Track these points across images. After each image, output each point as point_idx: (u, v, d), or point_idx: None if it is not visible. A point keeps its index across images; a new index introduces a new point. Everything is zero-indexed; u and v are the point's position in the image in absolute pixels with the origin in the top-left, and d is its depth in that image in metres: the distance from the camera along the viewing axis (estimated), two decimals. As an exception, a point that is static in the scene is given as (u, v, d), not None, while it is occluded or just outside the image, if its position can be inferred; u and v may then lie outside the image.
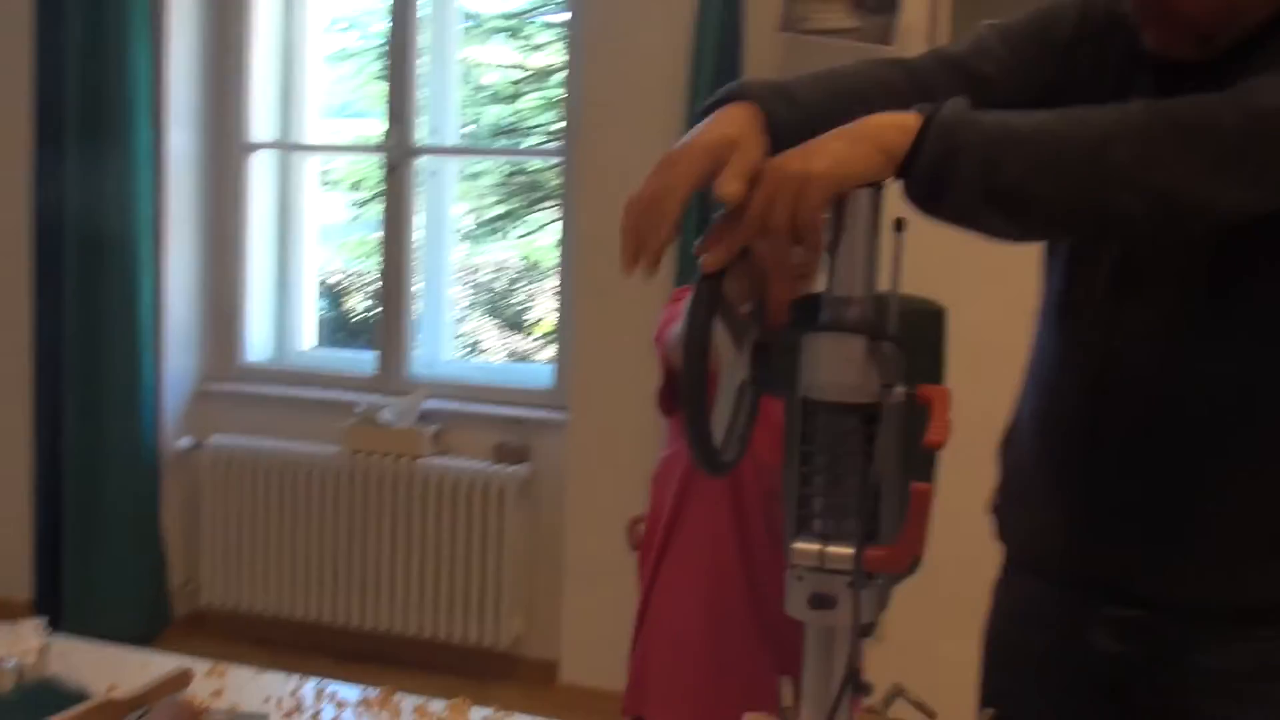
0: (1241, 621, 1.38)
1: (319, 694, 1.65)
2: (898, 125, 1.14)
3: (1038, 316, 1.55)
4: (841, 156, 1.11)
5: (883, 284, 1.14)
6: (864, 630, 1.15)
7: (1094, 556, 1.44)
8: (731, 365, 1.20)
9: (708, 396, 1.16)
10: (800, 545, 1.12)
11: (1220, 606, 1.39)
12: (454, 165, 4.40)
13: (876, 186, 1.13)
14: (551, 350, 4.39)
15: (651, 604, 1.95)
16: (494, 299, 4.68)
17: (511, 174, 4.77)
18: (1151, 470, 1.39)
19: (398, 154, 4.18)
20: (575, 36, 3.90)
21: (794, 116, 1.26)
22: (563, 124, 4.11)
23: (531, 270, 4.95)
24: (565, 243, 4.02)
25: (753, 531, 1.86)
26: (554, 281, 4.68)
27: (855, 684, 1.16)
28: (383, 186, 4.24)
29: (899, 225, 1.13)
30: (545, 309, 4.94)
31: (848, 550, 1.10)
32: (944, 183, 1.13)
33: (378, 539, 4.04)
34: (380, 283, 4.33)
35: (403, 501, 4.00)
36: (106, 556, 4.10)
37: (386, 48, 4.19)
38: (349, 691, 1.65)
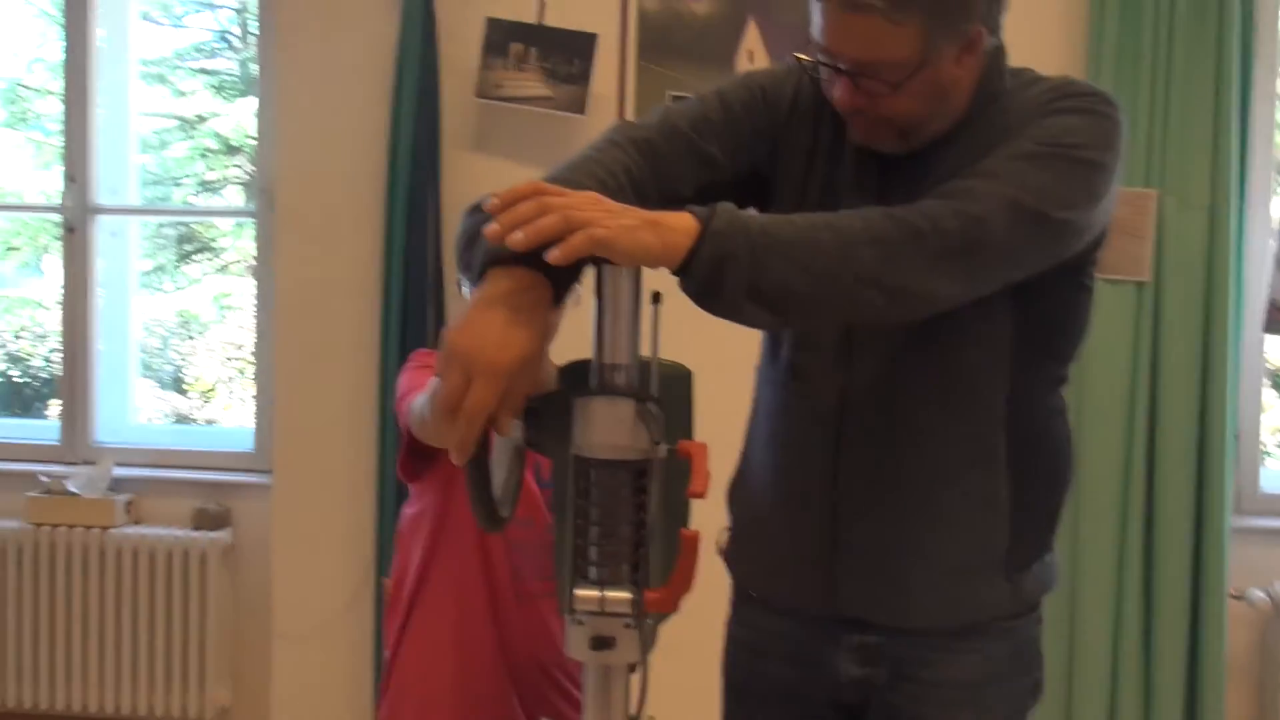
0: (963, 637, 1.60)
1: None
2: (681, 228, 1.26)
3: (761, 376, 1.72)
4: (631, 230, 1.22)
5: (643, 350, 1.26)
6: (632, 667, 1.26)
7: (833, 592, 1.62)
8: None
9: (486, 458, 1.24)
10: (581, 592, 1.22)
11: (944, 627, 1.60)
12: (135, 224, 4.26)
13: (638, 272, 1.25)
14: (213, 410, 4.32)
15: (400, 655, 2.00)
16: (149, 357, 4.48)
17: (162, 225, 4.60)
18: (880, 513, 1.59)
19: (77, 214, 4.02)
20: (266, 95, 3.88)
21: None
22: (233, 176, 4.06)
23: (187, 326, 4.78)
24: (261, 303, 3.97)
25: (499, 580, 1.94)
26: (211, 337, 4.58)
27: None
28: (57, 248, 4.06)
29: (656, 298, 1.25)
30: (206, 366, 4.77)
31: (625, 594, 1.21)
32: (716, 284, 1.27)
33: (70, 616, 3.84)
34: (60, 348, 4.14)
35: (95, 575, 3.82)
36: None
37: (64, 103, 4.03)
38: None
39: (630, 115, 3.56)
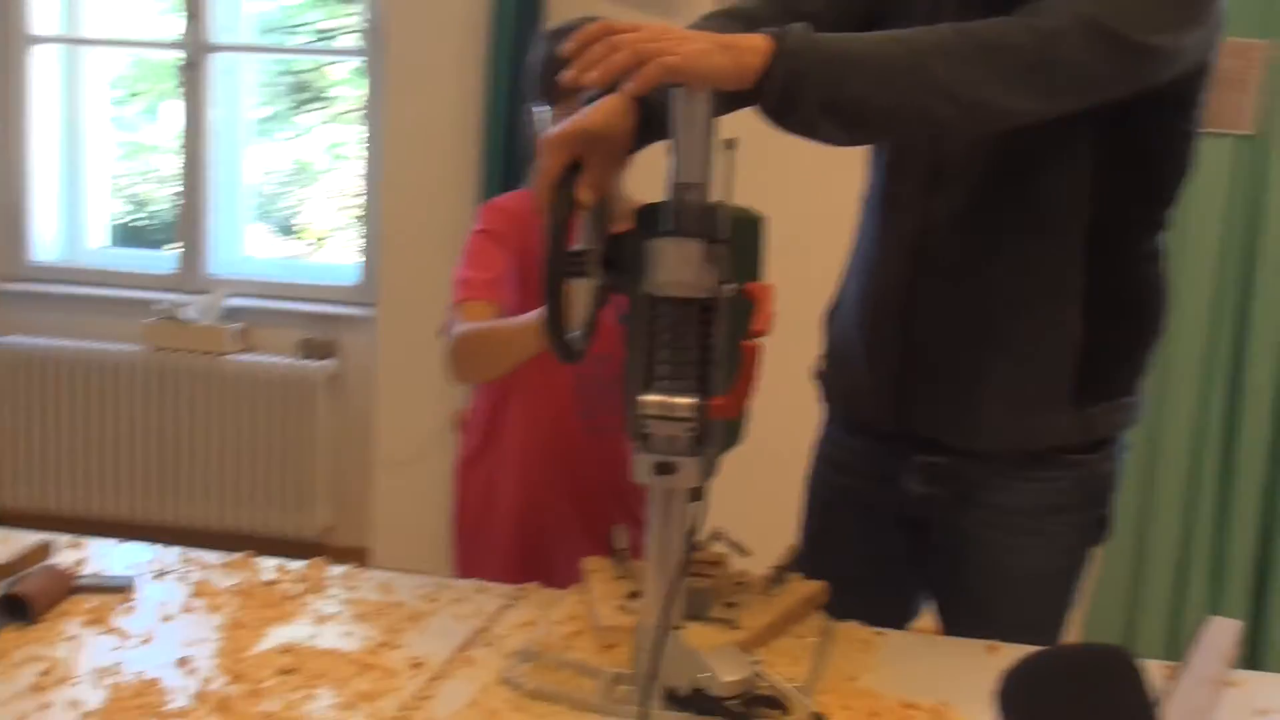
0: (1027, 466, 1.66)
1: (182, 557, 1.76)
2: (753, 48, 1.30)
3: (862, 208, 1.78)
4: (704, 54, 1.26)
5: (715, 195, 1.32)
6: (695, 495, 1.35)
7: (907, 413, 1.69)
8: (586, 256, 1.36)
9: (560, 290, 1.32)
10: (647, 397, 1.30)
11: (1009, 453, 1.66)
12: (249, 63, 4.38)
13: (715, 93, 1.30)
14: (324, 256, 4.46)
15: (467, 486, 2.11)
16: (262, 203, 4.61)
17: (279, 73, 4.68)
18: (954, 339, 1.65)
19: (195, 51, 4.15)
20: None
21: None
22: (351, 25, 4.12)
23: (301, 174, 4.88)
24: (371, 144, 4.08)
25: (565, 415, 2.03)
26: (323, 186, 4.70)
27: (692, 544, 1.36)
28: (175, 84, 4.19)
29: (730, 144, 1.31)
30: (318, 213, 4.88)
31: (689, 400, 1.29)
32: (791, 101, 1.31)
33: (184, 436, 4.08)
34: (179, 182, 4.30)
35: (207, 398, 4.05)
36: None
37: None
38: (210, 555, 1.77)
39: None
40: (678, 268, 1.28)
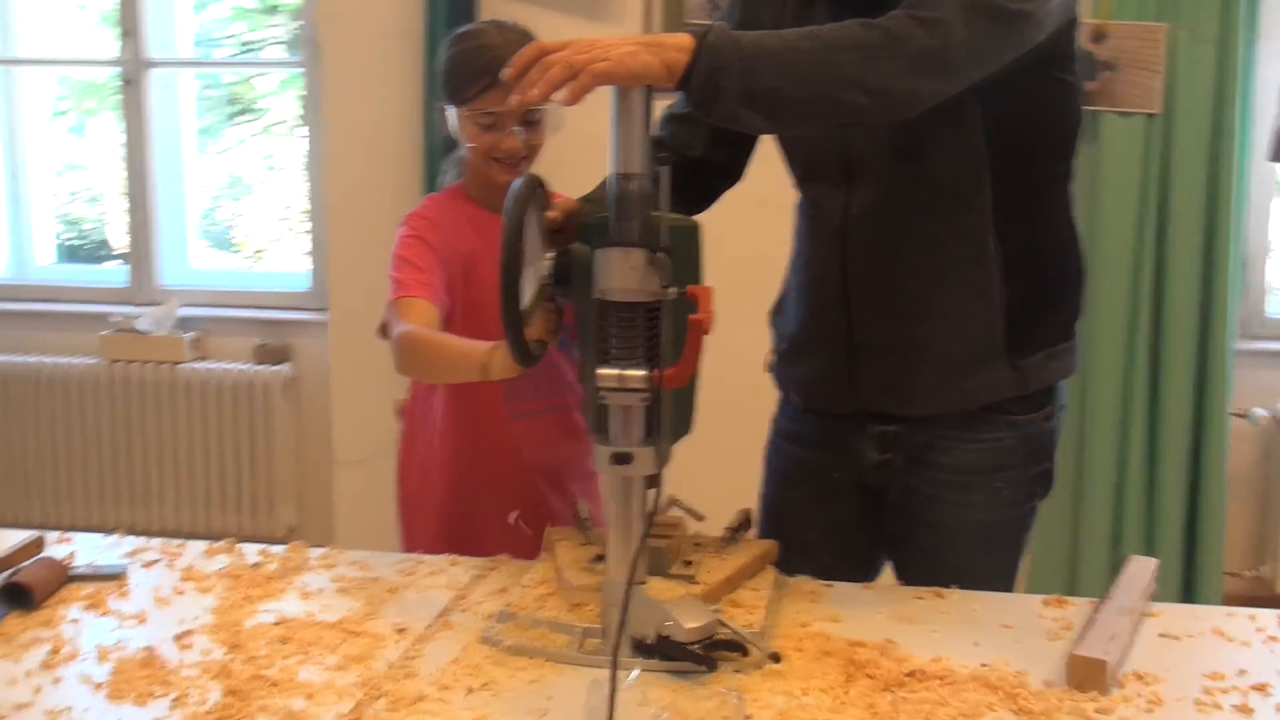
0: (973, 427, 1.78)
1: (164, 548, 1.85)
2: (678, 45, 1.42)
3: (795, 210, 1.91)
4: (631, 55, 1.39)
5: (658, 209, 1.43)
6: (651, 482, 1.47)
7: (855, 393, 1.82)
8: (536, 267, 1.48)
9: (518, 295, 1.42)
10: (603, 370, 1.42)
11: (950, 415, 1.78)
12: (186, 77, 4.44)
13: (648, 88, 1.42)
14: (263, 268, 4.54)
15: (403, 469, 2.22)
16: (200, 217, 4.66)
17: (206, 87, 4.73)
18: (888, 314, 1.78)
19: (134, 68, 4.20)
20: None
21: None
22: (277, 37, 4.17)
23: (235, 187, 4.93)
24: (311, 151, 4.16)
25: (489, 401, 2.10)
26: (259, 197, 4.77)
27: (648, 529, 1.47)
28: (106, 102, 4.24)
29: (663, 160, 1.43)
30: (254, 225, 4.93)
31: (641, 372, 1.41)
32: (713, 93, 1.43)
33: (147, 444, 4.15)
34: (124, 197, 4.36)
35: (167, 407, 4.12)
36: None
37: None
38: (194, 545, 1.86)
39: None
40: (624, 275, 1.41)
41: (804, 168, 1.85)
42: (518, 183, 1.43)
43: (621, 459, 1.43)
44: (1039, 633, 1.55)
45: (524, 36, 2.02)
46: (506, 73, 1.42)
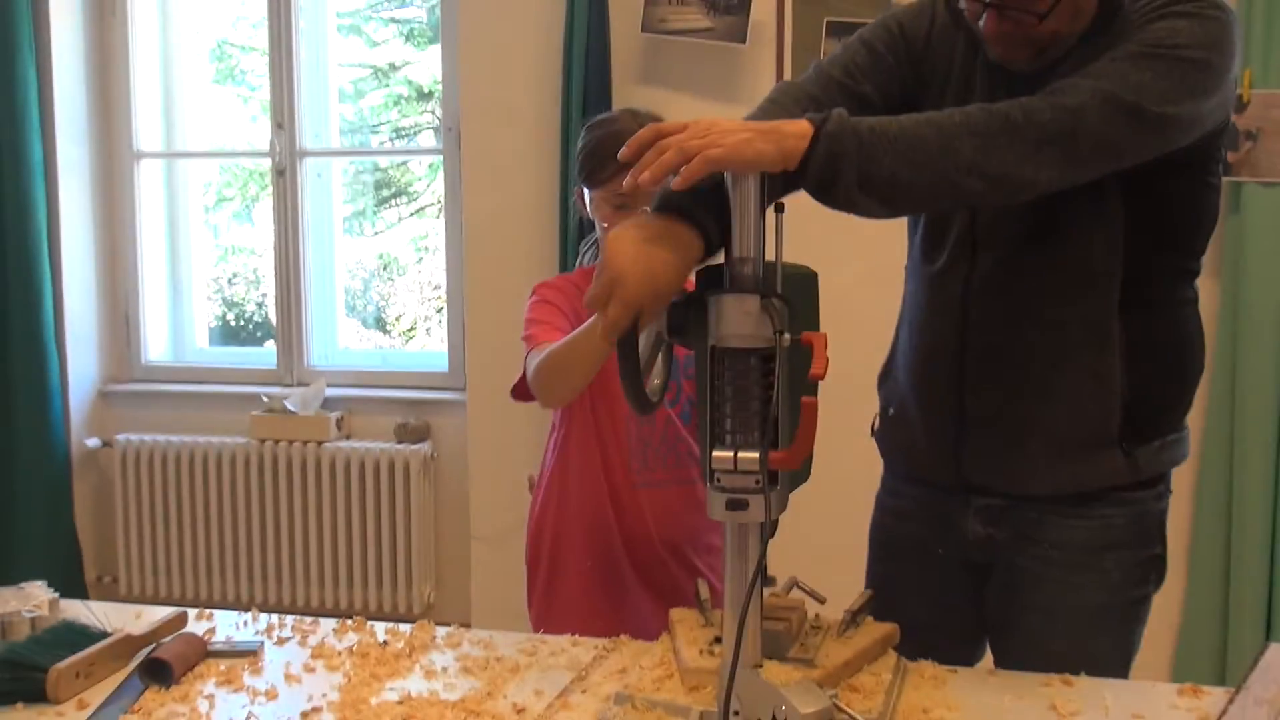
0: (1081, 504, 1.76)
1: (296, 626, 1.91)
2: (797, 133, 1.44)
3: (907, 275, 1.90)
4: (746, 143, 1.40)
5: (769, 254, 1.45)
6: (769, 530, 1.47)
7: (961, 466, 1.81)
8: (653, 323, 1.50)
9: (635, 351, 1.46)
10: (718, 453, 1.43)
11: (1060, 493, 1.76)
12: (337, 165, 4.62)
13: (762, 174, 1.44)
14: (413, 347, 4.65)
15: (538, 540, 2.25)
16: (352, 298, 4.83)
17: (360, 172, 4.91)
18: (1002, 394, 1.76)
19: (286, 157, 4.40)
20: (449, 40, 4.17)
21: None
22: (426, 121, 4.31)
23: (387, 268, 5.09)
24: (451, 235, 4.29)
25: (617, 472, 2.15)
26: (410, 278, 4.91)
27: (763, 574, 1.48)
28: (267, 189, 4.44)
29: (779, 208, 1.45)
30: (405, 305, 5.08)
31: (754, 454, 1.41)
32: (831, 179, 1.45)
33: (290, 521, 4.28)
34: (274, 282, 4.54)
35: (312, 484, 4.25)
36: (21, 554, 4.25)
37: (268, 54, 4.39)
38: (326, 623, 1.91)
39: (788, 43, 3.71)
40: (737, 321, 1.41)
41: (931, 235, 1.84)
42: None
43: (736, 505, 1.43)
44: (1170, 724, 1.50)
45: (656, 123, 2.07)
46: (623, 153, 1.46)
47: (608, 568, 2.17)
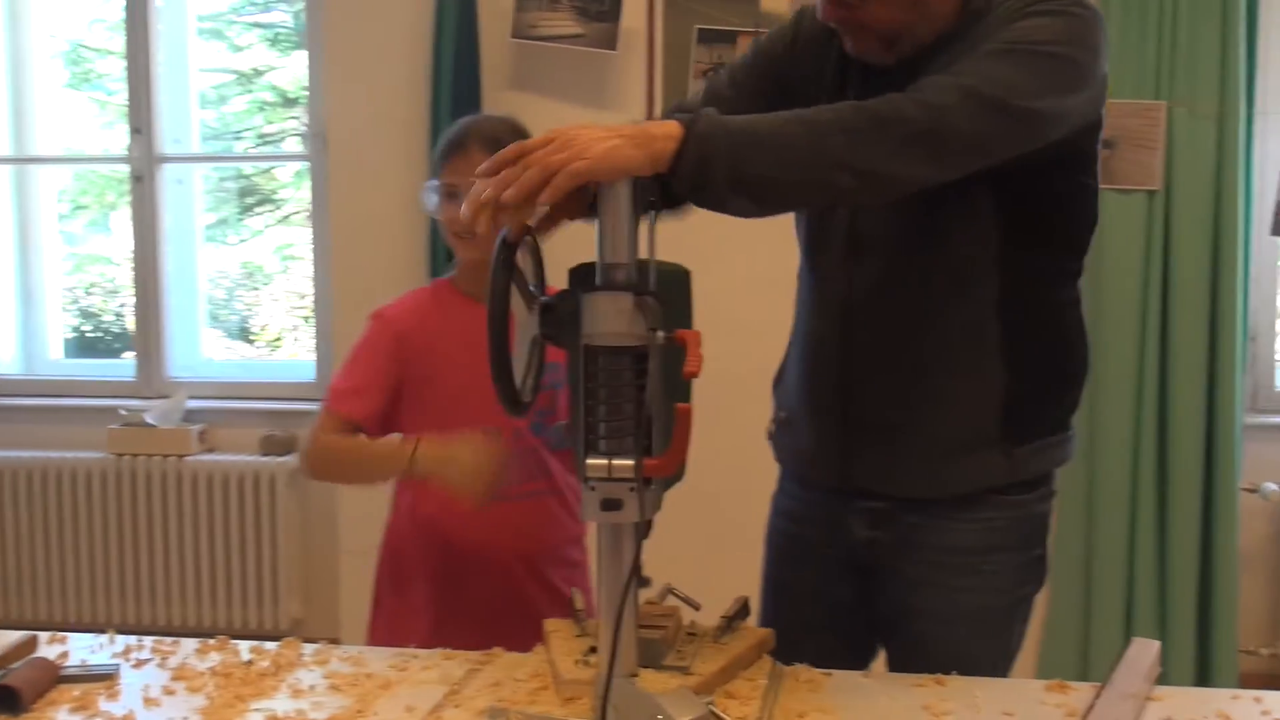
0: (964, 507, 1.76)
1: (156, 647, 1.83)
2: (665, 135, 1.42)
3: (798, 279, 1.91)
4: (613, 151, 1.38)
5: (642, 253, 1.44)
6: (644, 530, 1.45)
7: (849, 469, 1.81)
8: (525, 324, 1.48)
9: (508, 350, 1.43)
10: (592, 461, 1.41)
11: (940, 496, 1.77)
12: (198, 172, 4.50)
13: (632, 179, 1.43)
14: (279, 357, 4.55)
15: (383, 559, 2.23)
16: (215, 308, 4.72)
17: (223, 179, 4.80)
18: (883, 393, 1.77)
19: (145, 163, 4.26)
20: (316, 45, 4.08)
21: None
22: (291, 128, 4.23)
23: (252, 277, 4.98)
24: (317, 242, 4.20)
25: None
26: (275, 287, 4.81)
27: (639, 575, 1.46)
28: (125, 197, 4.30)
29: (650, 206, 1.43)
30: (270, 315, 4.97)
31: (629, 462, 1.40)
32: (702, 180, 1.44)
33: (150, 539, 4.15)
34: (134, 291, 4.40)
35: (173, 500, 4.12)
36: None
37: (125, 57, 4.25)
38: (187, 643, 1.84)
39: (659, 49, 3.72)
40: (611, 319, 1.40)
41: (811, 239, 1.85)
42: (507, 229, 1.43)
43: (611, 505, 1.41)
44: (1040, 720, 1.52)
45: (513, 130, 2.05)
46: (481, 169, 1.42)
47: (452, 585, 2.12)
